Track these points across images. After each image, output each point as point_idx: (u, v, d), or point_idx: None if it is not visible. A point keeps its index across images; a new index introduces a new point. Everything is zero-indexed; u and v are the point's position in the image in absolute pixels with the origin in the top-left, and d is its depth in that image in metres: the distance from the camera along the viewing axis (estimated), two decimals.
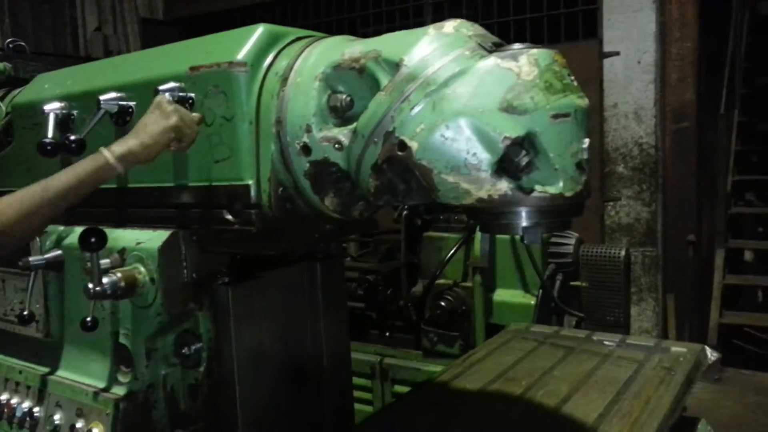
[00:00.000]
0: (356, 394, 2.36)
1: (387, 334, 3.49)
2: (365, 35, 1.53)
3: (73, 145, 1.54)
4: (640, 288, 5.48)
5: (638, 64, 5.37)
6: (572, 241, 3.15)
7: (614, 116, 5.48)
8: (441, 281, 3.16)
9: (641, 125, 5.42)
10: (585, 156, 1.24)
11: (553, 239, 3.15)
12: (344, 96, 1.37)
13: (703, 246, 5.83)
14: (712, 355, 2.14)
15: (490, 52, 1.24)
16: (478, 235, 3.07)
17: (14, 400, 1.77)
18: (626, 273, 3.02)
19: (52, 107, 1.72)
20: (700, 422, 2.02)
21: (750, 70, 6.46)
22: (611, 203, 5.53)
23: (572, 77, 1.26)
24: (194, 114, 1.47)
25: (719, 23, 6.07)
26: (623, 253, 2.99)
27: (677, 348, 2.16)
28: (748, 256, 6.59)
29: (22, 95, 1.98)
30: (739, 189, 6.31)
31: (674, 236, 5.49)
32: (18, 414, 1.73)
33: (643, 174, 5.46)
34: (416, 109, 1.22)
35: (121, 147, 1.39)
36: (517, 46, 1.24)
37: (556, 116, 1.19)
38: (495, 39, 1.32)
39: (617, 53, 5.43)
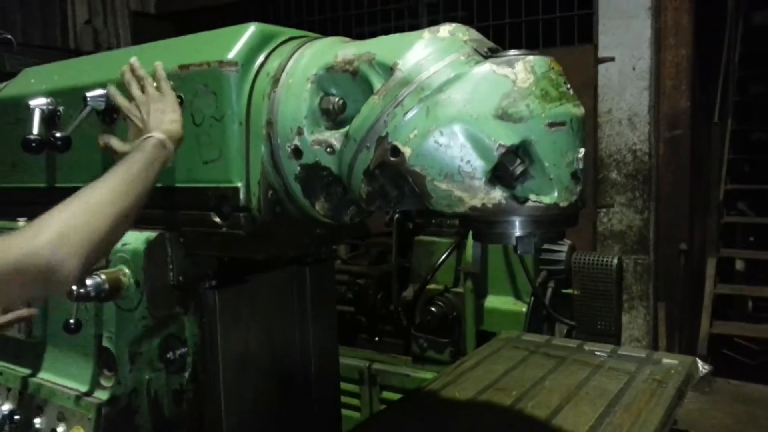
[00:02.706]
0: (344, 399, 2.33)
1: (376, 338, 3.46)
2: (359, 34, 1.50)
3: (59, 143, 1.51)
4: (631, 296, 5.48)
5: (633, 70, 5.37)
6: (564, 249, 3.13)
7: (608, 122, 5.48)
8: (432, 286, 3.13)
9: (635, 132, 5.42)
10: (580, 166, 1.22)
11: (546, 246, 3.13)
12: (337, 99, 1.34)
13: (695, 255, 5.84)
14: (703, 367, 2.13)
15: (486, 57, 1.22)
16: (470, 240, 3.05)
17: None
18: (618, 282, 3.01)
19: (38, 103, 1.68)
20: None
21: (744, 78, 6.48)
22: (604, 210, 5.53)
23: (568, 85, 1.23)
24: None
25: (714, 32, 6.08)
26: (616, 261, 2.98)
27: (669, 360, 2.15)
28: (739, 265, 6.61)
29: (7, 90, 1.94)
30: (732, 198, 6.33)
31: (666, 244, 5.49)
32: None
33: (636, 181, 5.46)
34: (410, 114, 1.20)
35: (170, 133, 1.35)
36: (513, 52, 1.22)
37: (551, 125, 1.17)
38: (491, 44, 1.29)
39: (612, 59, 5.42)
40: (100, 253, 1.14)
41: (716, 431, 4.28)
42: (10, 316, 1.55)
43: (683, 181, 5.52)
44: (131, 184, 1.22)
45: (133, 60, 1.47)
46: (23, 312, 1.56)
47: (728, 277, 6.18)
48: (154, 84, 1.43)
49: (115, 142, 1.45)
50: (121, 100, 1.45)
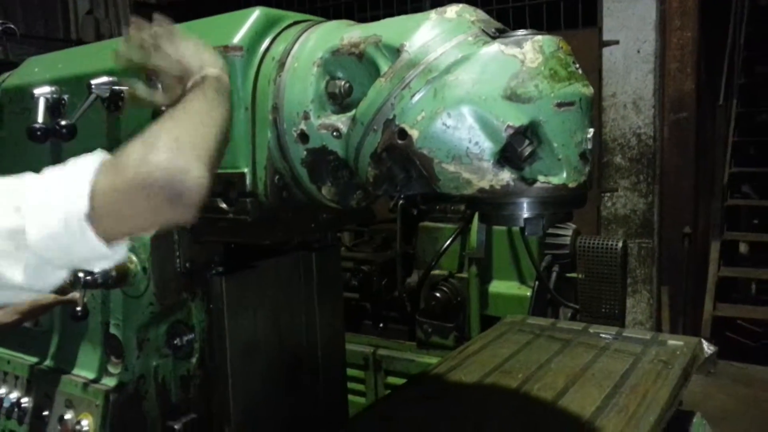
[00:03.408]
0: (349, 385, 2.34)
1: (381, 325, 3.47)
2: (362, 20, 1.49)
3: (64, 131, 1.50)
4: (635, 280, 5.48)
5: (638, 53, 5.33)
6: (569, 233, 3.12)
7: (613, 106, 5.45)
8: (436, 272, 3.13)
9: (640, 115, 5.39)
10: (589, 146, 1.22)
11: (550, 230, 3.12)
12: (343, 82, 1.33)
13: (699, 238, 5.83)
14: (708, 348, 2.13)
15: (494, 38, 1.21)
16: (474, 225, 3.04)
17: (2, 391, 1.74)
18: (623, 265, 3.00)
19: (42, 91, 1.68)
20: (695, 416, 2.00)
21: (749, 59, 6.42)
22: (608, 194, 5.51)
23: (577, 65, 1.22)
24: None
25: (719, 12, 6.03)
26: (620, 245, 2.96)
27: (674, 341, 2.15)
28: (743, 248, 6.60)
29: (12, 79, 1.93)
30: (736, 181, 6.30)
31: (670, 228, 5.48)
32: (6, 404, 1.70)
33: (640, 165, 5.44)
34: (417, 97, 1.19)
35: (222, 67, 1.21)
36: (521, 32, 1.20)
37: (560, 105, 1.16)
38: (498, 25, 1.28)
39: (617, 42, 5.38)
40: (215, 162, 1.03)
41: (720, 413, 4.30)
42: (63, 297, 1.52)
43: (688, 165, 5.50)
44: (214, 102, 1.11)
45: (134, 21, 1.28)
46: (74, 295, 1.49)
47: (732, 260, 6.17)
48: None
49: (143, 90, 1.28)
50: (151, 59, 1.23)
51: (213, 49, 1.27)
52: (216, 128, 1.06)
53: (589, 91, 1.22)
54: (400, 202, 3.30)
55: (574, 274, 3.12)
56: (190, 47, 1.22)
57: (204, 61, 1.20)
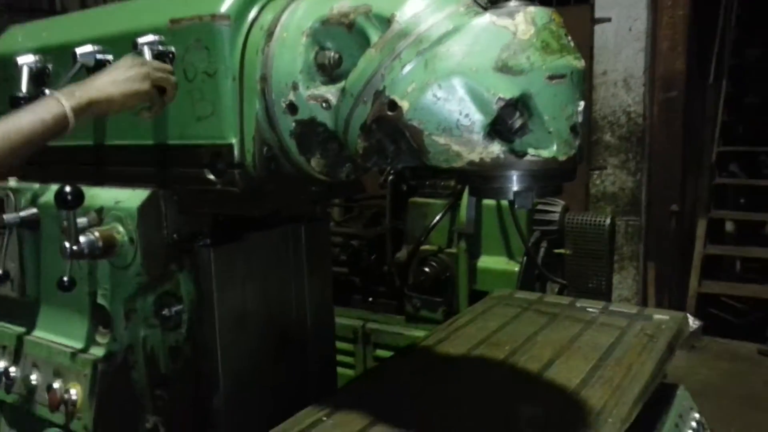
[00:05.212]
0: (338, 358, 2.36)
1: (370, 299, 3.48)
2: None
3: None
4: (622, 256, 5.53)
5: (629, 31, 5.31)
6: (558, 209, 3.14)
7: (603, 84, 5.44)
8: (426, 247, 3.13)
9: (630, 94, 5.39)
10: (579, 119, 1.21)
11: (539, 206, 3.13)
12: (332, 53, 1.32)
13: (686, 216, 5.88)
14: (693, 323, 2.15)
15: (486, 9, 1.20)
16: (463, 201, 3.04)
17: None
18: (610, 241, 3.02)
19: (26, 60, 1.66)
20: (678, 388, 2.04)
21: (740, 41, 6.43)
22: (597, 172, 5.53)
23: (569, 37, 1.22)
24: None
25: None
26: (608, 221, 2.99)
27: (660, 315, 2.17)
28: (729, 226, 6.67)
29: None
30: (724, 160, 6.35)
31: (658, 206, 5.52)
32: None
33: (629, 143, 5.46)
34: (408, 68, 1.18)
35: (80, 97, 1.33)
36: (513, 3, 1.19)
37: (552, 77, 1.15)
38: None
39: (609, 19, 5.35)
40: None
41: (703, 387, 4.38)
42: None
43: (676, 143, 5.52)
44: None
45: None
46: None
47: (718, 238, 6.24)
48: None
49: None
50: None
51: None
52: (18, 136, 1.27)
53: (580, 64, 1.22)
54: (390, 177, 3.30)
55: (562, 250, 3.14)
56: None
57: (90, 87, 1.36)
